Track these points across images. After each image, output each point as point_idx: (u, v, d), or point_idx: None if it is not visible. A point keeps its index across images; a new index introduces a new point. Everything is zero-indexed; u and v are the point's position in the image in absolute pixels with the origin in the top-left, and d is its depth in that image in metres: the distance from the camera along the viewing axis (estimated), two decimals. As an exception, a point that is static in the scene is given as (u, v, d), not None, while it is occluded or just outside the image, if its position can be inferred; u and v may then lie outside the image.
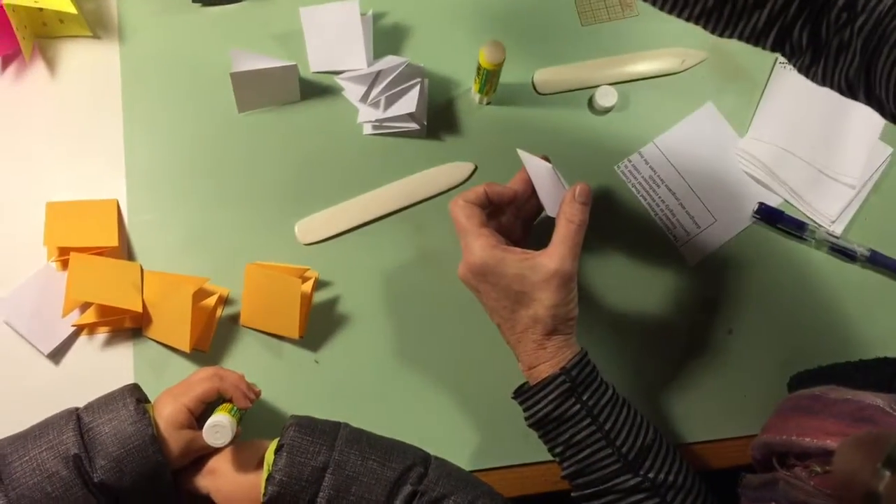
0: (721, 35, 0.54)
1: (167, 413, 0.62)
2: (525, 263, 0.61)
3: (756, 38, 0.53)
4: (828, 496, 0.50)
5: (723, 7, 0.52)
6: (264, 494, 0.59)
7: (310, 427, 0.61)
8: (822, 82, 0.53)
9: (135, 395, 0.62)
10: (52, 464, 0.56)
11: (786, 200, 0.77)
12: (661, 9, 0.55)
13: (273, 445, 0.61)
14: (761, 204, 0.77)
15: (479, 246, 0.62)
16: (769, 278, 0.77)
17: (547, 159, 0.67)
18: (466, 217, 0.63)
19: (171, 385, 0.66)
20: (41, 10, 0.78)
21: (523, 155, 0.67)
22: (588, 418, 0.61)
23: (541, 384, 0.61)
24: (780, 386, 0.73)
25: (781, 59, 0.80)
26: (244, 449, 0.63)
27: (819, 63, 0.52)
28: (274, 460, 0.59)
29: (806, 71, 0.53)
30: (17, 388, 0.71)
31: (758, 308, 0.76)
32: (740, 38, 0.54)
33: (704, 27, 0.55)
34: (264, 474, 0.60)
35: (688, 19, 0.55)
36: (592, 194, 0.63)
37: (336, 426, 0.62)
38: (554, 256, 0.60)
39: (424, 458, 0.63)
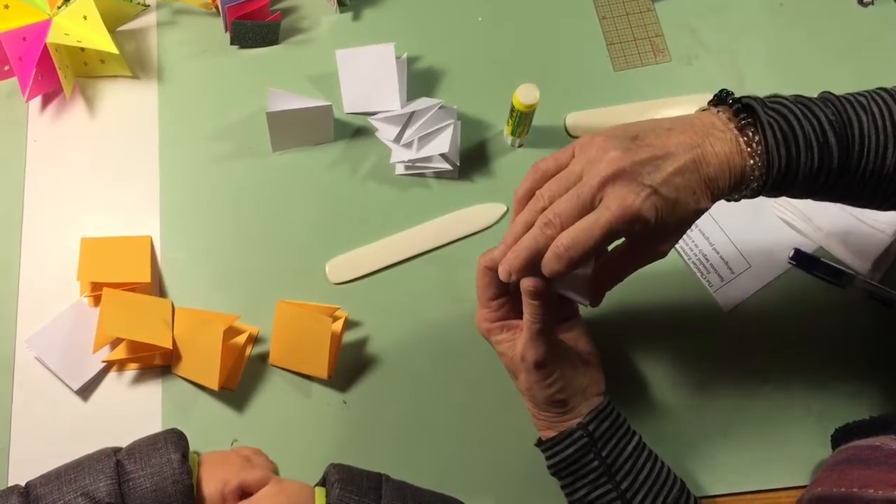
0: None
1: (210, 490, 0.61)
2: (508, 344, 0.61)
3: None
4: None
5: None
6: None
7: (354, 483, 0.59)
8: None
9: (179, 447, 0.60)
10: None
11: (821, 246, 0.77)
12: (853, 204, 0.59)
13: (320, 498, 0.59)
14: (797, 250, 0.76)
15: (479, 316, 0.63)
16: (805, 326, 0.75)
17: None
18: (482, 285, 0.62)
19: (196, 422, 0.65)
20: (83, 50, 0.80)
21: None
22: (605, 476, 0.60)
23: (558, 437, 0.61)
24: (817, 437, 0.71)
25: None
26: (291, 495, 0.61)
27: None
28: None
29: None
30: (45, 424, 0.71)
31: (794, 356, 0.74)
32: None
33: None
34: None
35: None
36: (540, 286, 0.56)
37: (378, 480, 0.61)
38: (522, 342, 0.59)
39: None
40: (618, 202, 0.50)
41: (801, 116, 0.53)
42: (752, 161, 0.52)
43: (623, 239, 0.56)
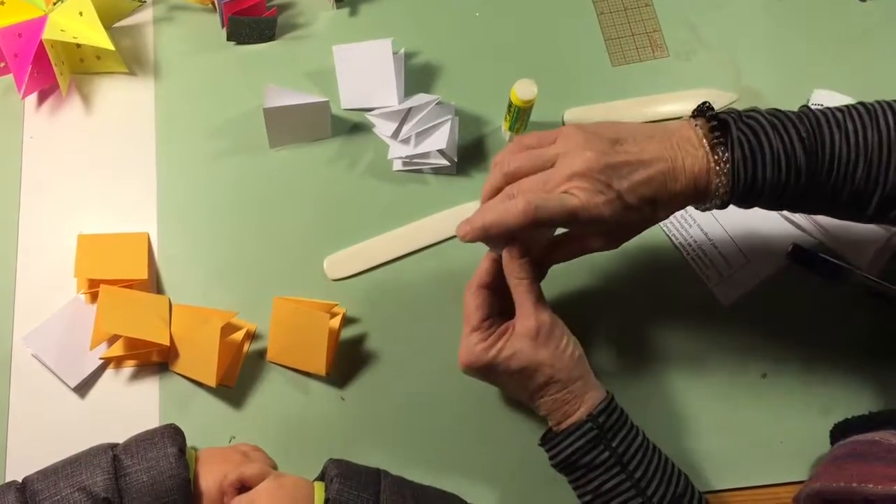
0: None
1: (207, 485, 0.60)
2: (511, 343, 0.61)
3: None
4: None
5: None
6: None
7: (353, 478, 0.59)
8: None
9: (176, 442, 0.60)
10: None
11: (820, 241, 0.76)
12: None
13: (319, 492, 0.59)
14: (795, 245, 0.75)
15: (471, 343, 0.62)
16: (804, 320, 0.75)
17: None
18: (474, 306, 0.63)
19: (194, 418, 0.64)
20: (79, 46, 0.80)
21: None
22: (617, 466, 0.60)
23: (567, 430, 0.61)
24: (817, 432, 0.71)
25: (814, 101, 0.80)
26: (290, 490, 0.61)
27: None
28: None
29: None
30: (42, 422, 0.71)
31: (793, 351, 0.74)
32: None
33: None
34: None
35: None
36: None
37: (377, 476, 0.61)
38: (526, 316, 0.60)
39: None
40: (585, 197, 0.53)
41: (772, 131, 0.54)
42: (717, 180, 0.55)
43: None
